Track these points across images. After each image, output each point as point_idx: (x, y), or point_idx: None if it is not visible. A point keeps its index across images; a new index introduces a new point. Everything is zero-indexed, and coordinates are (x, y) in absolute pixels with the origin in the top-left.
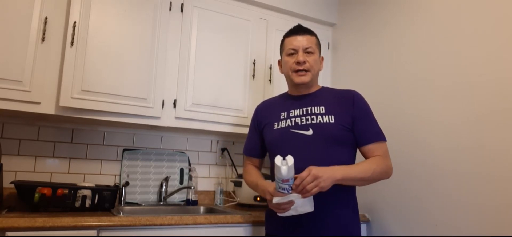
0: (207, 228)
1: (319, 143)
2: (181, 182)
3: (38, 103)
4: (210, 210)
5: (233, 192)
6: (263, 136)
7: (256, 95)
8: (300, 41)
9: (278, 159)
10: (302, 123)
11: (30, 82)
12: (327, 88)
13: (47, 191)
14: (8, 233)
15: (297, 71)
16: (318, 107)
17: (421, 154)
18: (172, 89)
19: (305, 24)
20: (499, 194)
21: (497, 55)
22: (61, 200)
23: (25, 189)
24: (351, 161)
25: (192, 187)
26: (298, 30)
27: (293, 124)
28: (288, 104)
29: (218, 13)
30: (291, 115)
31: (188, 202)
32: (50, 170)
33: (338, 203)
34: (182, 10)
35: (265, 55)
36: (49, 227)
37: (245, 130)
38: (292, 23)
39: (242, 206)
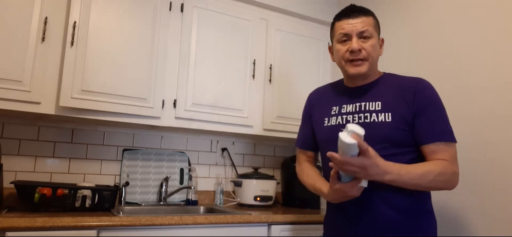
0: (207, 228)
1: (372, 145)
2: (181, 182)
3: (38, 103)
4: (210, 210)
5: (233, 192)
6: (313, 128)
7: (256, 95)
8: (354, 24)
9: (343, 135)
10: (354, 122)
11: (30, 82)
12: (390, 75)
13: (47, 191)
14: (8, 233)
15: (351, 61)
16: (374, 103)
17: None
18: (172, 89)
19: (305, 24)
20: (499, 194)
21: (498, 55)
22: (61, 200)
23: (25, 189)
24: None
25: (192, 187)
26: (351, 11)
27: (344, 122)
28: (342, 97)
29: (218, 13)
30: (343, 111)
31: (188, 202)
32: (50, 170)
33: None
34: (182, 10)
35: (265, 55)
36: (49, 227)
37: (245, 130)
38: (292, 23)
39: (242, 206)
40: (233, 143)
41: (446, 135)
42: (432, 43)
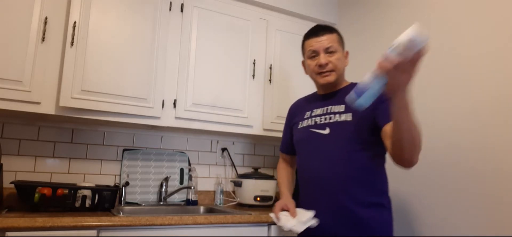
0: (207, 228)
1: (335, 142)
2: (181, 182)
3: (38, 103)
4: (210, 210)
5: (233, 192)
6: (292, 134)
7: (256, 95)
8: (321, 42)
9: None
10: (321, 122)
11: (30, 82)
12: (355, 83)
13: (47, 191)
14: (8, 233)
15: (320, 73)
16: (338, 106)
17: (421, 154)
18: (172, 89)
19: (305, 24)
20: (499, 193)
21: (498, 53)
22: (61, 200)
23: (25, 189)
24: (374, 164)
25: (192, 187)
26: (317, 30)
27: (313, 123)
28: (314, 103)
29: (218, 13)
30: (313, 114)
31: (188, 202)
32: (50, 170)
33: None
34: (182, 10)
35: (265, 55)
36: (49, 227)
37: (245, 130)
38: (292, 23)
39: (242, 206)
40: (233, 143)
41: None
42: (432, 42)
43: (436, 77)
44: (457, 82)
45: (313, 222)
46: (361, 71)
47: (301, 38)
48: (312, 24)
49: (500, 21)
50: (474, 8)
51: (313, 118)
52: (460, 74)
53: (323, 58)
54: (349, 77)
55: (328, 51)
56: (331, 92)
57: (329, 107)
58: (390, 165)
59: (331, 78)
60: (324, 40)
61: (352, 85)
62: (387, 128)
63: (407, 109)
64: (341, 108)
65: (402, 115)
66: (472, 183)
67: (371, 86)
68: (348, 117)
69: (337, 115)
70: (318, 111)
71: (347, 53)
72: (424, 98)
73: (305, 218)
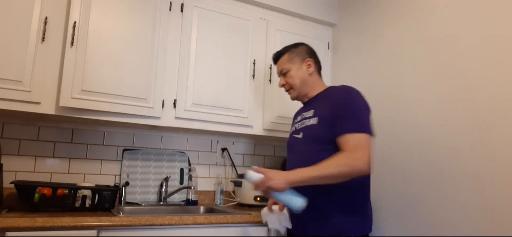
0: (207, 228)
1: (306, 145)
2: (181, 182)
3: (38, 103)
4: (210, 210)
5: (233, 192)
6: None
7: (256, 95)
8: (277, 67)
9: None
10: (298, 128)
11: (30, 82)
12: (329, 89)
13: (47, 191)
14: (8, 233)
15: (287, 91)
16: (310, 111)
17: (421, 154)
18: (172, 89)
19: (305, 24)
20: (499, 193)
21: (498, 55)
22: (61, 200)
23: (25, 189)
24: None
25: (192, 187)
26: (274, 59)
27: (294, 129)
28: (299, 112)
29: (218, 13)
30: (295, 121)
31: (188, 202)
32: (50, 170)
33: (330, 205)
34: (182, 10)
35: (265, 55)
36: (49, 227)
37: (245, 130)
38: (292, 23)
39: (242, 206)
40: (233, 143)
41: (352, 127)
42: (432, 43)
43: (436, 76)
44: (457, 82)
45: (288, 225)
46: (361, 71)
47: (301, 38)
48: (312, 24)
49: (500, 21)
50: (474, 8)
51: (295, 125)
52: (460, 74)
53: (280, 82)
54: (351, 76)
55: (282, 73)
56: (308, 100)
57: (304, 113)
58: (390, 166)
59: (293, 94)
60: (278, 66)
61: (328, 89)
62: (339, 141)
63: (303, 182)
64: (311, 113)
65: (306, 184)
66: (472, 183)
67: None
68: (315, 120)
69: (307, 120)
70: (299, 118)
71: (306, 61)
72: (425, 98)
73: (284, 219)
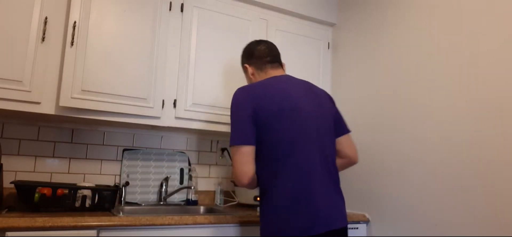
0: (207, 228)
1: None
2: (181, 182)
3: (38, 103)
4: (210, 210)
5: (233, 192)
6: None
7: None
8: None
9: None
10: None
11: (30, 82)
12: None
13: (47, 191)
14: (8, 233)
15: None
16: None
17: (421, 154)
18: (172, 89)
19: (305, 24)
20: (499, 193)
21: (497, 54)
22: (61, 200)
23: (25, 189)
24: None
25: (192, 187)
26: None
27: None
28: None
29: (218, 13)
30: None
31: (188, 202)
32: (50, 170)
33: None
34: (182, 10)
35: None
36: (49, 227)
37: None
38: (292, 23)
39: (242, 206)
40: None
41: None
42: (432, 42)
43: (437, 76)
44: (457, 81)
45: None
46: (361, 70)
47: (301, 38)
48: (312, 24)
49: (500, 21)
50: (474, 8)
51: None
52: (460, 73)
53: None
54: (351, 76)
55: None
56: None
57: None
58: (390, 166)
59: None
60: None
61: None
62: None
63: None
64: None
65: None
66: (473, 183)
67: None
68: None
69: None
70: None
71: (245, 67)
72: (425, 98)
73: None
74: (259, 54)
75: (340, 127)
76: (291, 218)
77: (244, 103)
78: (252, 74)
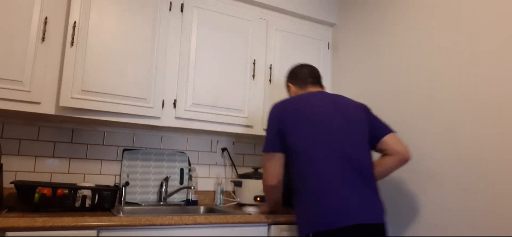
0: (207, 228)
1: None
2: (181, 182)
3: (38, 103)
4: (210, 210)
5: (233, 192)
6: None
7: (256, 95)
8: None
9: None
10: None
11: (30, 82)
12: None
13: (47, 191)
14: (8, 233)
15: None
16: None
17: (421, 154)
18: (172, 89)
19: (305, 24)
20: (499, 193)
21: (498, 55)
22: (61, 200)
23: (25, 189)
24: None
25: (192, 187)
26: None
27: None
28: None
29: (218, 13)
30: None
31: (188, 202)
32: (50, 170)
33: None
34: (182, 10)
35: (265, 55)
36: (49, 227)
37: (245, 130)
38: (292, 23)
39: (242, 206)
40: (233, 143)
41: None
42: (432, 42)
43: (437, 76)
44: (457, 81)
45: None
46: (361, 70)
47: (301, 38)
48: (312, 24)
49: (500, 21)
50: (475, 8)
51: None
52: (460, 73)
53: None
54: (351, 76)
55: None
56: None
57: None
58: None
59: None
60: None
61: None
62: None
63: None
64: None
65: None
66: (473, 183)
67: None
68: None
69: None
70: None
71: (288, 85)
72: (425, 98)
73: None
74: (302, 76)
75: (380, 129)
76: (319, 212)
77: (273, 116)
78: (295, 93)
